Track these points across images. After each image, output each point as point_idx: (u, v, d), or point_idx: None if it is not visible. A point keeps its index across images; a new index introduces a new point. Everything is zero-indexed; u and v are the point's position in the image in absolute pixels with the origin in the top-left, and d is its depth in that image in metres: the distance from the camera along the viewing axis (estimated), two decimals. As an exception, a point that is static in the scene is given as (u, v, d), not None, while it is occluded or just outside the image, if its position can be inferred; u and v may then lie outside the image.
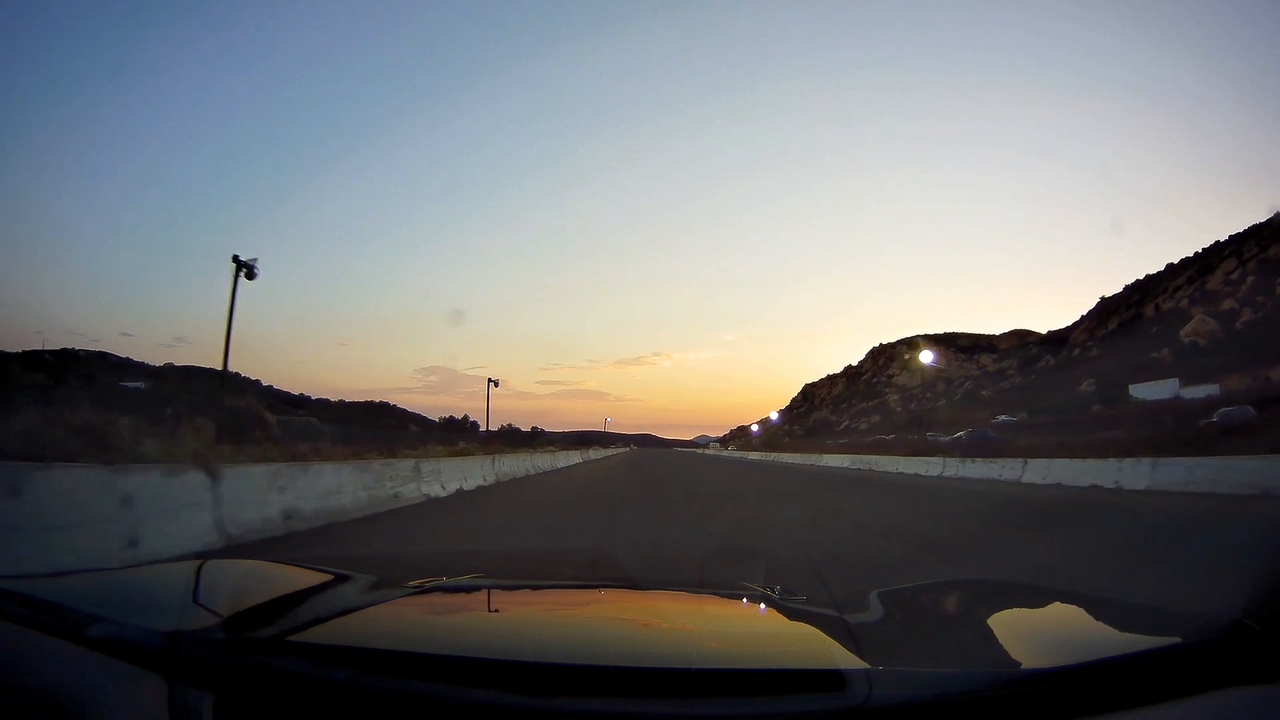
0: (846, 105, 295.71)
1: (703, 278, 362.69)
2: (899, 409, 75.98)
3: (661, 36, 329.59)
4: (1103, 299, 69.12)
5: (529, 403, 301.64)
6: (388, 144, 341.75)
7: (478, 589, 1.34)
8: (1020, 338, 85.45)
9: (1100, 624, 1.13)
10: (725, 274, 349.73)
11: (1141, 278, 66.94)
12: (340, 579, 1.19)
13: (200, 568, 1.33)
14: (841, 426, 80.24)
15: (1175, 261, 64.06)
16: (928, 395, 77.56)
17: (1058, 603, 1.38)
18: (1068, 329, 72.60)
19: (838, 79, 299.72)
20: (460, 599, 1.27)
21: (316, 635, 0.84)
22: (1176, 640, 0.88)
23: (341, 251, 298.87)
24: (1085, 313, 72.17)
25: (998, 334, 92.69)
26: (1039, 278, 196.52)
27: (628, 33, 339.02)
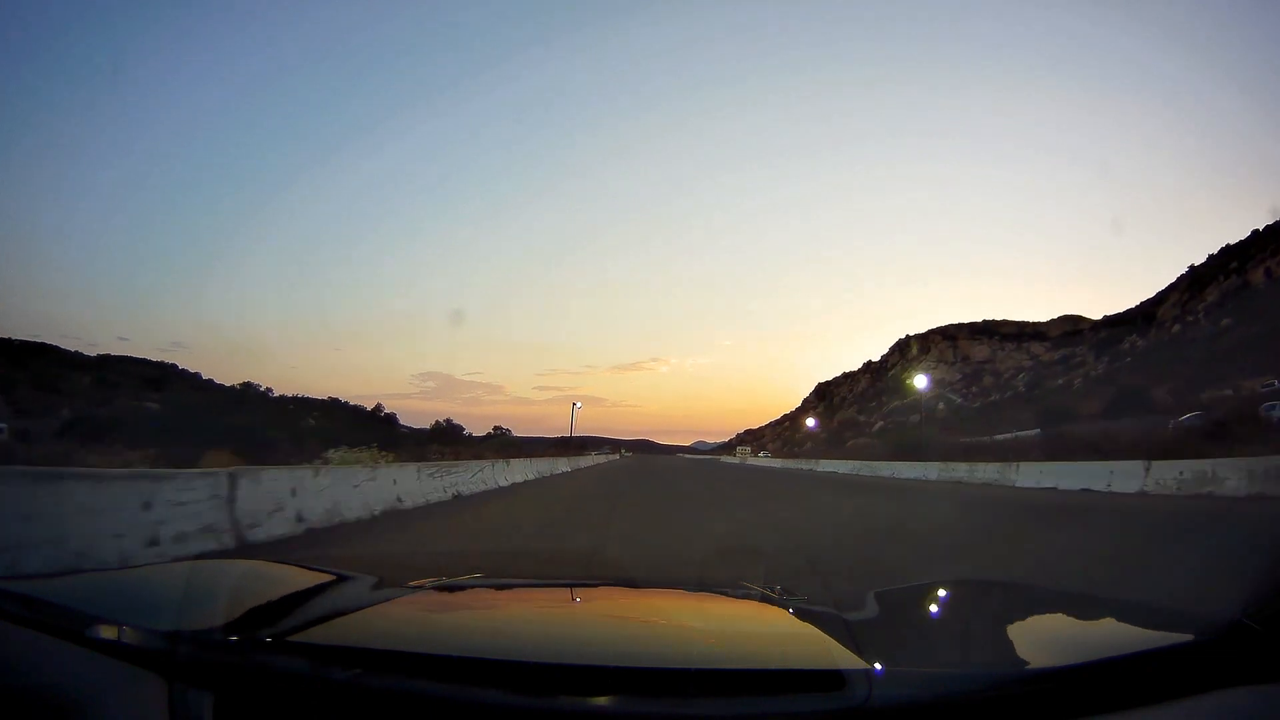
0: (845, 102, 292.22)
1: (699, 283, 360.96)
2: (942, 405, 71.72)
3: (658, 34, 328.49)
4: (1192, 268, 63.52)
5: (526, 408, 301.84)
6: (383, 147, 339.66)
7: (478, 589, 1.36)
8: (1072, 323, 79.28)
9: (1100, 624, 1.13)
10: (721, 279, 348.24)
11: (1224, 246, 61.35)
12: (340, 579, 1.20)
13: (200, 568, 1.37)
14: (875, 428, 72.29)
15: (1261, 229, 58.91)
16: (972, 390, 73.38)
17: (1058, 602, 1.39)
18: (1146, 306, 66.98)
19: (835, 75, 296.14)
20: (460, 599, 1.28)
21: (316, 635, 0.85)
22: (1176, 640, 0.89)
23: (336, 255, 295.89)
24: (1166, 286, 66.29)
25: (1043, 321, 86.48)
26: (1053, 268, 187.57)
27: (624, 31, 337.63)
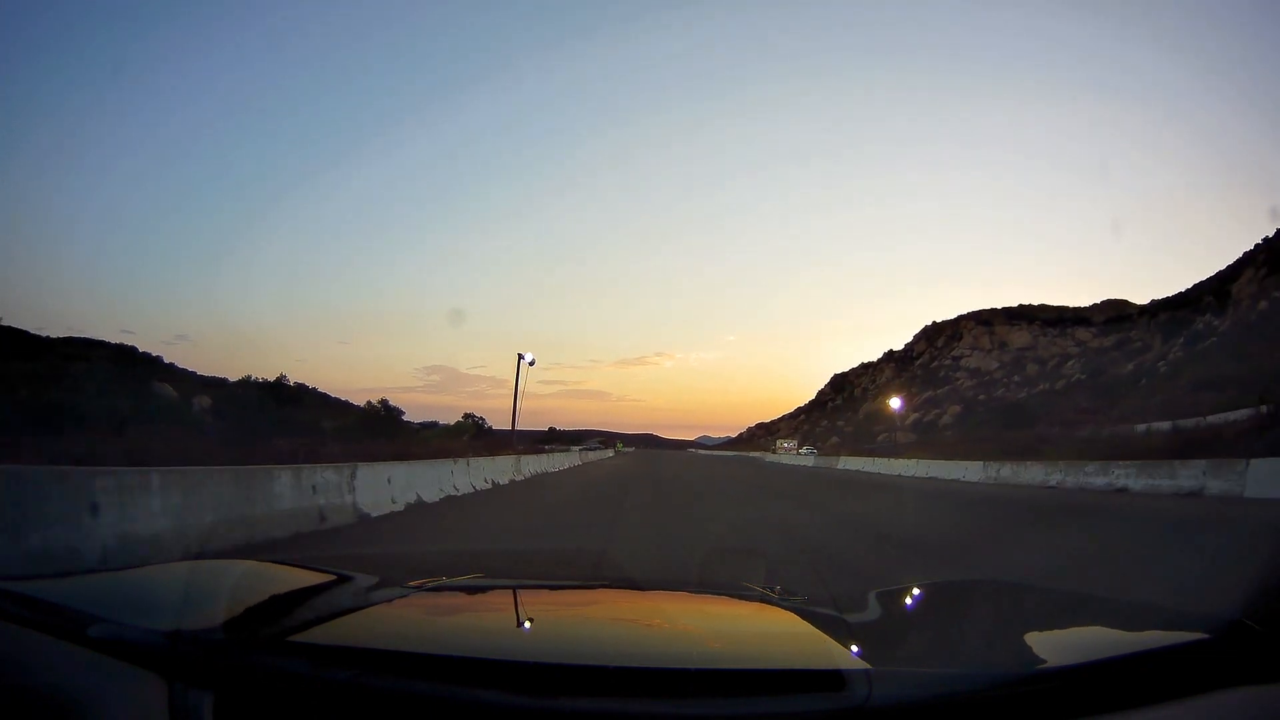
0: (847, 100, 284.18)
1: (704, 277, 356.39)
2: (983, 395, 68.43)
3: (663, 31, 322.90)
4: (1267, 239, 58.63)
5: (531, 402, 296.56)
6: (389, 142, 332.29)
7: (478, 589, 1.36)
8: (1116, 308, 74.22)
9: (1100, 624, 1.14)
10: (727, 274, 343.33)
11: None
12: (340, 579, 1.21)
13: (200, 568, 1.38)
14: (909, 421, 61.94)
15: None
16: (1014, 379, 69.76)
17: (1058, 603, 1.39)
18: (1210, 284, 62.30)
19: (838, 74, 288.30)
20: (460, 599, 1.28)
21: (316, 635, 0.85)
22: (1176, 640, 0.90)
23: (341, 250, 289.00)
24: (1235, 261, 61.00)
25: (1085, 305, 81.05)
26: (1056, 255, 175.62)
27: (629, 30, 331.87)
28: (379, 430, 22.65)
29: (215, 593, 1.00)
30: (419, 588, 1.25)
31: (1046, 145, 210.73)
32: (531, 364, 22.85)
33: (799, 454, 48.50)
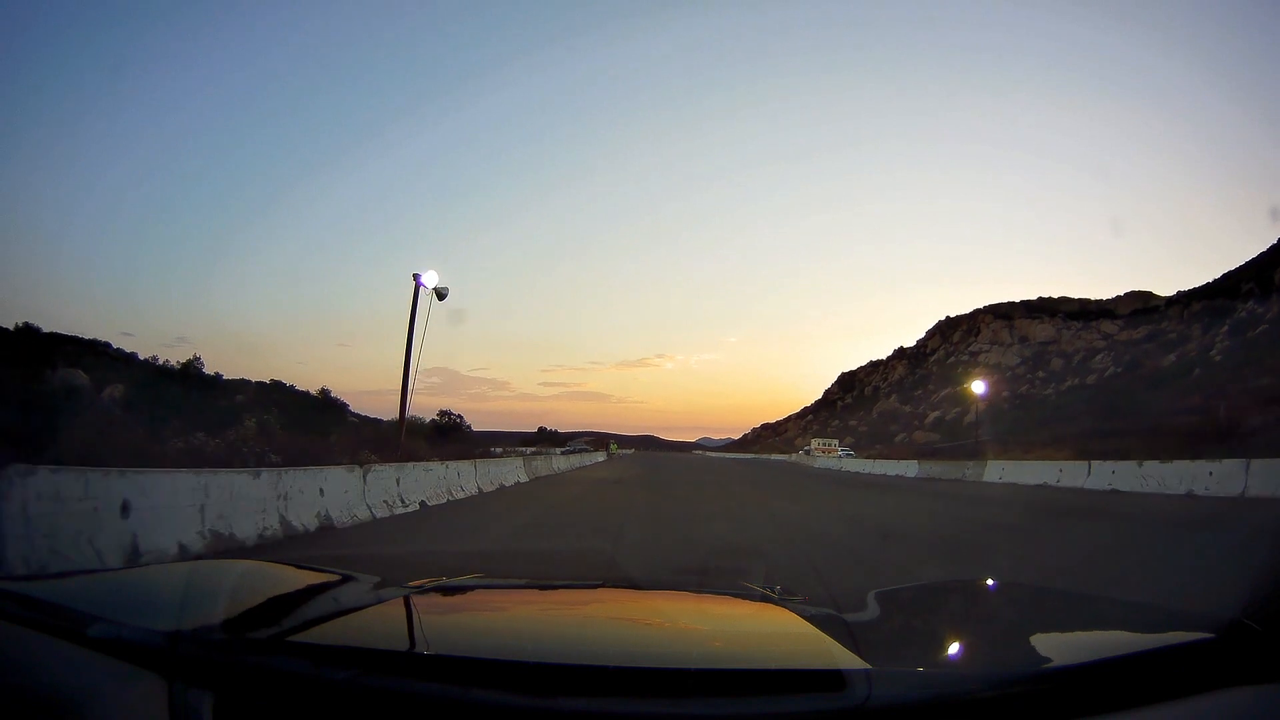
0: (850, 94, 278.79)
1: (704, 278, 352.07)
2: (1005, 391, 66.11)
3: (662, 28, 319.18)
4: None
5: (530, 404, 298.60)
6: (385, 141, 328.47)
7: (478, 589, 1.36)
8: (1141, 300, 71.36)
9: (1100, 624, 1.14)
10: (727, 273, 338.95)
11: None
12: (341, 579, 1.21)
13: (200, 568, 1.38)
14: (929, 420, 59.74)
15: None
16: (1039, 375, 67.67)
17: (1058, 602, 1.40)
18: (1246, 270, 59.93)
19: (841, 68, 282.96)
20: (460, 599, 1.28)
21: (316, 635, 0.85)
22: (1176, 640, 0.90)
23: (340, 250, 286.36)
24: (1267, 248, 58.65)
25: (1108, 298, 77.93)
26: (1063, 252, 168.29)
27: (627, 27, 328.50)
28: (313, 423, 18.87)
29: (215, 593, 1.00)
30: (419, 588, 1.26)
31: (1055, 138, 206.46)
32: (443, 297, 12.78)
33: (838, 456, 39.73)
